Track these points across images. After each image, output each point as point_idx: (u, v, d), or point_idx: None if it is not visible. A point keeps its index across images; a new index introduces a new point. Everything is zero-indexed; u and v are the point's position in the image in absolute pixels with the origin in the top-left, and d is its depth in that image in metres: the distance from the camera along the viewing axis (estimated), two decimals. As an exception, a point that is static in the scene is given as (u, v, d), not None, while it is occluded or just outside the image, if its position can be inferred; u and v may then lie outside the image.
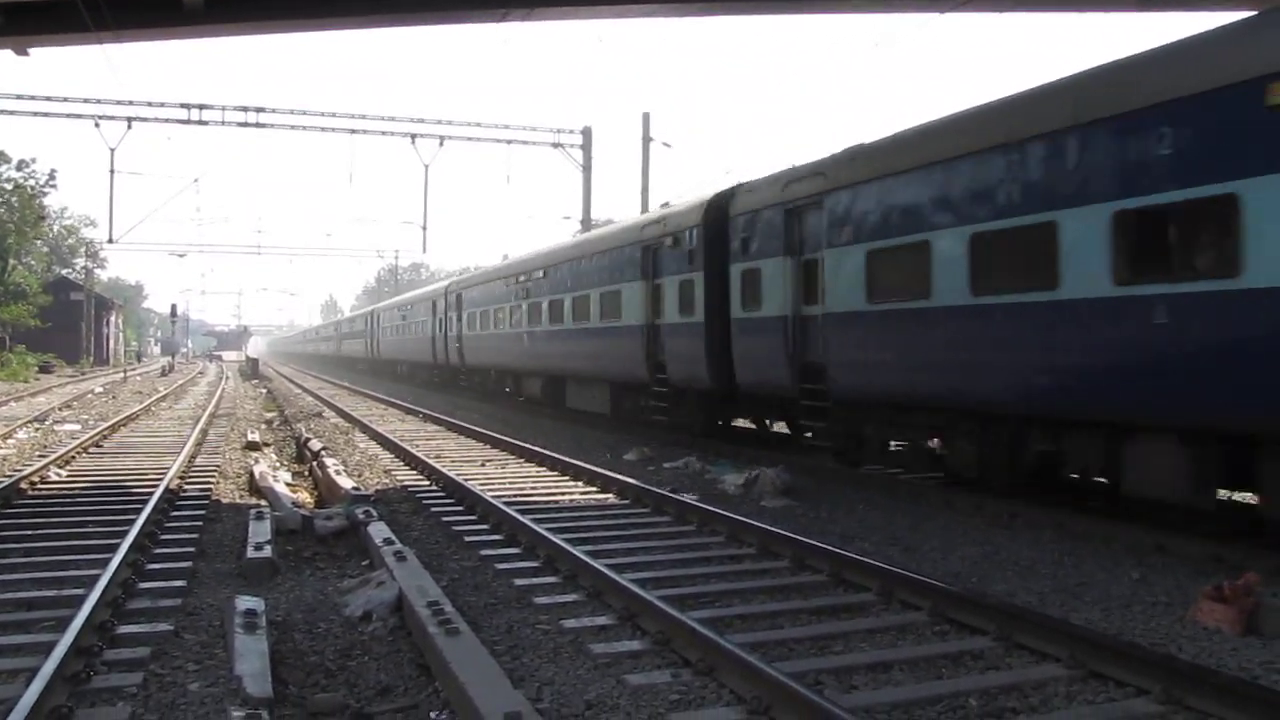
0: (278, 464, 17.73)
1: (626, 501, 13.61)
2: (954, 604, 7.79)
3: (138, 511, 11.70)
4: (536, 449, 18.40)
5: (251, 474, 15.56)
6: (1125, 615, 8.00)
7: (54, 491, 14.49)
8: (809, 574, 9.30)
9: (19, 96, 36.22)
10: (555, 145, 40.25)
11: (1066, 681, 6.41)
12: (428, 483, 15.54)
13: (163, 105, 37.30)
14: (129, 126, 37.11)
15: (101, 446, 20.45)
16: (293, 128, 38.68)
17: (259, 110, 37.99)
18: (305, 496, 14.40)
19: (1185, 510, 10.35)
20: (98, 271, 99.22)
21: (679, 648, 6.96)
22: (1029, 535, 11.08)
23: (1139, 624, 7.75)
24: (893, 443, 14.74)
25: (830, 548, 9.65)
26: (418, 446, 19.68)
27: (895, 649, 7.15)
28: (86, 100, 36.83)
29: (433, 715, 6.04)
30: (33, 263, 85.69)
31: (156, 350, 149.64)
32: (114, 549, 9.57)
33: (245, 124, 37.85)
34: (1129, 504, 11.17)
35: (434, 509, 13.18)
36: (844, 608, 8.23)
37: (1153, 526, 10.70)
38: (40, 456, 17.92)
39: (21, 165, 74.90)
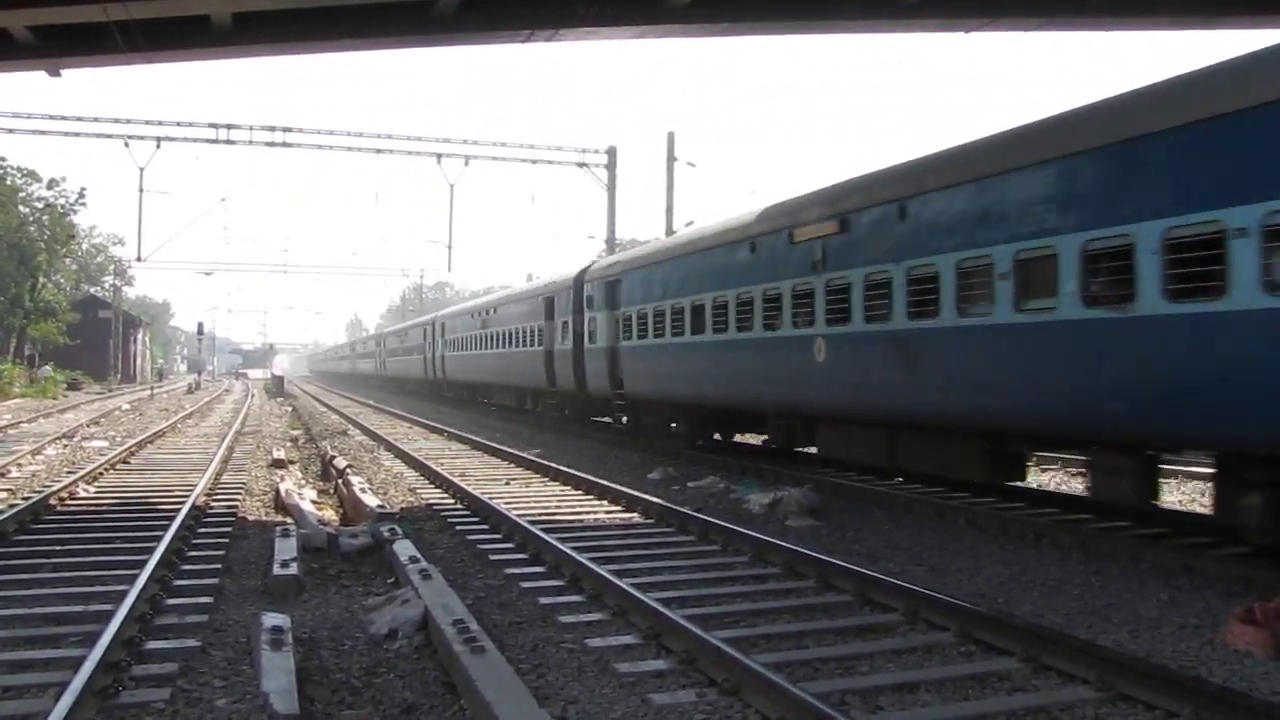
0: (303, 482, 17.81)
1: (651, 520, 13.60)
2: (980, 625, 7.75)
3: (165, 528, 11.78)
4: (560, 468, 18.43)
5: (277, 491, 15.62)
6: (1154, 637, 7.93)
7: (82, 508, 14.61)
8: (834, 594, 9.27)
9: (50, 116, 36.73)
10: (580, 165, 40.38)
11: (1095, 704, 6.36)
12: (452, 501, 15.58)
13: (191, 125, 37.64)
14: (158, 146, 37.49)
15: (129, 463, 20.61)
16: (319, 147, 39.03)
17: (286, 130, 38.27)
18: (331, 514, 14.44)
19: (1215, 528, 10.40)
20: (125, 289, 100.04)
21: (704, 667, 6.96)
22: (1055, 555, 11.00)
23: (1168, 646, 7.68)
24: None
25: (855, 568, 9.63)
26: (442, 464, 19.74)
27: (921, 670, 7.12)
28: (116, 120, 37.27)
29: (458, 733, 6.05)
30: (62, 280, 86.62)
31: (183, 368, 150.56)
32: (141, 565, 9.63)
33: (272, 143, 38.15)
34: (1155, 522, 11.18)
35: (459, 527, 13.21)
36: (870, 628, 8.20)
37: (1180, 548, 10.63)
38: (68, 473, 18.07)
39: (52, 184, 75.71)
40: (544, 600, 9.14)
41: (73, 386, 65.09)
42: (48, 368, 66.17)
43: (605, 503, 15.19)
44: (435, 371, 50.00)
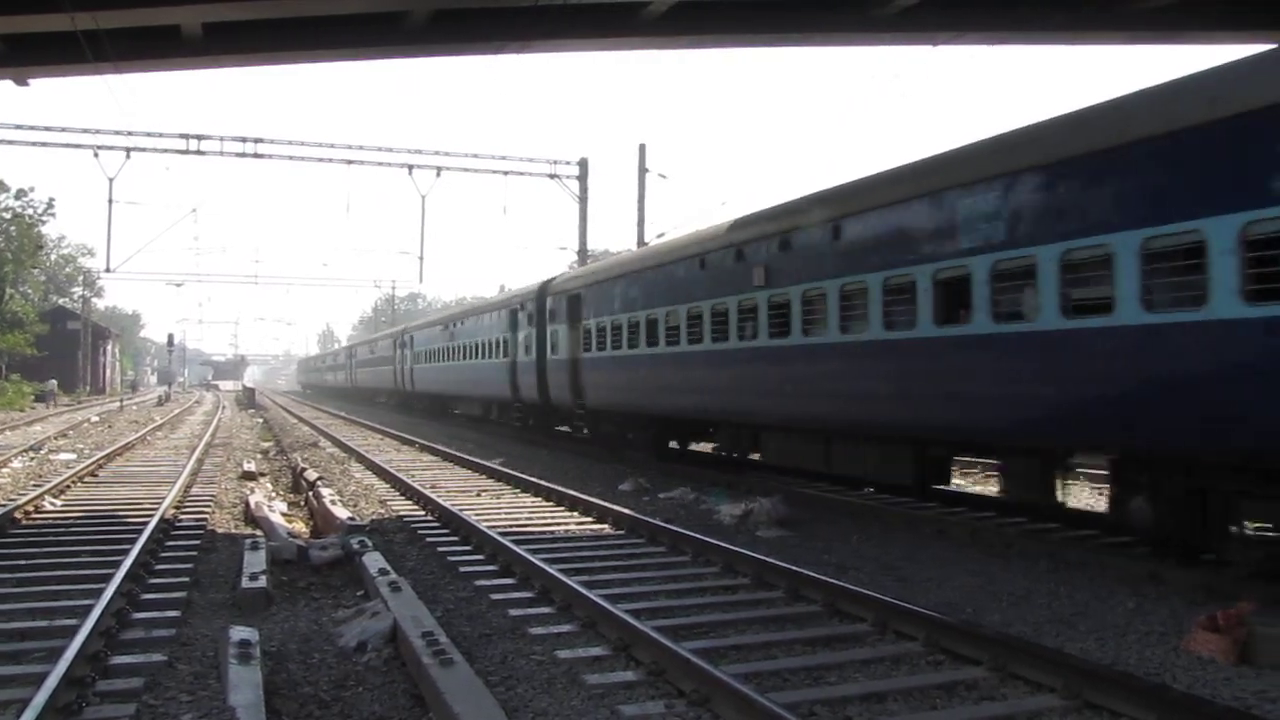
0: (273, 494, 17.70)
1: (621, 532, 13.60)
2: (948, 634, 7.80)
3: (132, 541, 11.68)
4: (532, 479, 18.39)
5: (247, 504, 15.53)
6: (1120, 645, 8.00)
7: (48, 521, 14.46)
8: (803, 605, 9.30)
9: (18, 126, 36.27)
10: (552, 176, 40.33)
11: (1061, 712, 6.41)
12: (423, 513, 15.52)
13: (161, 135, 37.33)
14: (128, 156, 37.09)
15: (97, 476, 20.41)
16: (290, 158, 38.72)
17: (257, 141, 38.04)
18: (301, 527, 14.37)
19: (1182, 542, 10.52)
20: (95, 301, 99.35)
21: (673, 678, 6.96)
22: (1023, 565, 11.08)
23: (1134, 653, 7.76)
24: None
25: (825, 578, 9.65)
26: (414, 477, 19.66)
27: (889, 679, 7.15)
28: (85, 130, 36.85)
29: (426, 746, 6.03)
30: (30, 291, 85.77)
31: (153, 380, 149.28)
32: (108, 579, 9.54)
33: (243, 154, 37.92)
34: (1122, 532, 11.30)
35: (429, 539, 13.16)
36: (838, 638, 8.22)
37: (1147, 556, 10.73)
38: (35, 485, 17.89)
39: (20, 194, 75.02)
40: (514, 612, 9.12)
41: (40, 398, 64.36)
42: (54, 382, 66.02)
43: (576, 514, 15.17)
44: (405, 383, 50.57)
